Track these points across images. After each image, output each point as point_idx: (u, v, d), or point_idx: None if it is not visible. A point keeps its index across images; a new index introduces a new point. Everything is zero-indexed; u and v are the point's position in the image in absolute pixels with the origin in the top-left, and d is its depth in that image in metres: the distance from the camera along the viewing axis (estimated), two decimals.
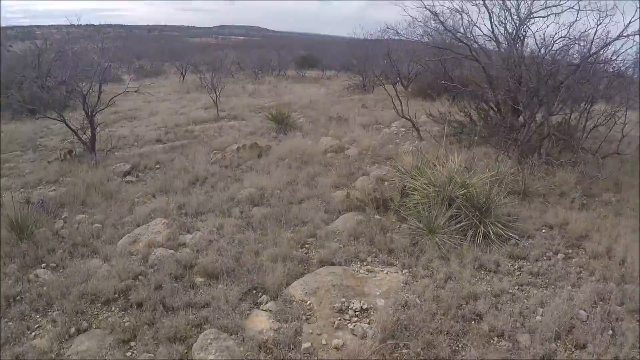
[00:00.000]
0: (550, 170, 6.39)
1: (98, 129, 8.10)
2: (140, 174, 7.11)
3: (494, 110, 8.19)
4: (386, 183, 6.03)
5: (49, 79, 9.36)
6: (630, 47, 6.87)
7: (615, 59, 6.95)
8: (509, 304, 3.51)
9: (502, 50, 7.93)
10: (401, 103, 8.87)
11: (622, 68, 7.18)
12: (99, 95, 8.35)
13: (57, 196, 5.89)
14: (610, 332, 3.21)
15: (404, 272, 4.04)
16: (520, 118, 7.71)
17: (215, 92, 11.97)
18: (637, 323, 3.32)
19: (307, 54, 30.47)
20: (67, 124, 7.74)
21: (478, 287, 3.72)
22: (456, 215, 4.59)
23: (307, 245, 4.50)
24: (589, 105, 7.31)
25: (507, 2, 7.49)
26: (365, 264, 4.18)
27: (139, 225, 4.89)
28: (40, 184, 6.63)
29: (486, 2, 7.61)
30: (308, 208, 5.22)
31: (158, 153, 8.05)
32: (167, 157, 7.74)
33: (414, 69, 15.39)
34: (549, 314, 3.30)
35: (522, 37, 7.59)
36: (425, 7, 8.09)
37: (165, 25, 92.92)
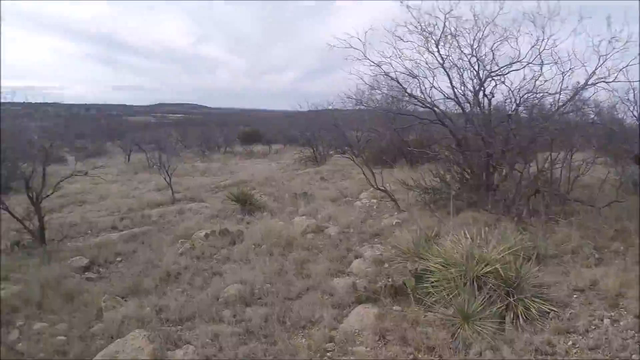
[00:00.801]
0: (549, 227, 6.19)
1: (46, 216, 6.96)
2: (101, 270, 6.05)
3: (467, 172, 7.97)
4: (386, 265, 5.39)
5: None
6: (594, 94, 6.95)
7: (584, 108, 7.09)
8: None
9: (466, 110, 7.82)
10: (373, 174, 8.50)
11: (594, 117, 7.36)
12: (43, 179, 7.26)
13: (7, 298, 4.75)
14: None
15: None
16: (495, 176, 7.60)
17: (167, 172, 11.04)
18: None
19: (251, 129, 30.12)
20: (10, 212, 6.59)
21: None
22: (487, 296, 4.05)
23: (328, 354, 3.71)
24: (570, 156, 7.34)
25: (472, 60, 7.45)
26: None
27: (112, 338, 3.90)
28: None
29: (444, 65, 7.56)
30: (310, 303, 4.46)
31: (117, 243, 6.98)
32: (128, 247, 6.75)
33: (362, 137, 15.05)
34: None
35: (490, 95, 7.55)
36: (386, 74, 7.84)
37: (103, 104, 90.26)
